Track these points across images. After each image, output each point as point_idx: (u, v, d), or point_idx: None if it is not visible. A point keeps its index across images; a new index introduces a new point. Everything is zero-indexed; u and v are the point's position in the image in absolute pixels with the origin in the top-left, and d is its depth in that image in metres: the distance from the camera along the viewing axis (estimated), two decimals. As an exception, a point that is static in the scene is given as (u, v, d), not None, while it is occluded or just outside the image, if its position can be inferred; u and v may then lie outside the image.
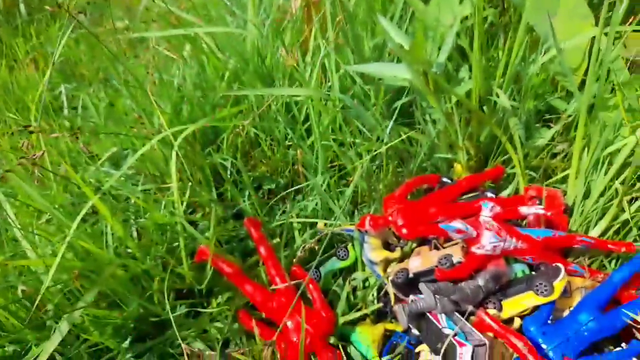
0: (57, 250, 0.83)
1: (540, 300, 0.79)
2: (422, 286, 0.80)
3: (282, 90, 0.96)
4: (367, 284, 0.97)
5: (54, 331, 0.70)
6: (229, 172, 1.06)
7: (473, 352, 0.73)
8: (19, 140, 1.16)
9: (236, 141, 1.14)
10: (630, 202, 0.90)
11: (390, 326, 0.90)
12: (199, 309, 0.90)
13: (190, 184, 1.01)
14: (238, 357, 0.79)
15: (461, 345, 0.73)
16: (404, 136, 1.00)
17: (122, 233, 0.85)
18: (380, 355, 0.84)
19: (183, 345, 0.75)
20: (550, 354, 0.75)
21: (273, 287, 0.89)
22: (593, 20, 0.97)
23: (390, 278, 0.91)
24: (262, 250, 0.93)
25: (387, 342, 0.87)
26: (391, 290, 0.91)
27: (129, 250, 0.90)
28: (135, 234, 0.98)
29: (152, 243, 0.93)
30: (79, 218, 0.73)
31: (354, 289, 0.97)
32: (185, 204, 0.99)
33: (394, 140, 0.99)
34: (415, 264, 0.91)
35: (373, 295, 0.94)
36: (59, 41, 0.85)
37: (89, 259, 0.83)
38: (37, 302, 0.69)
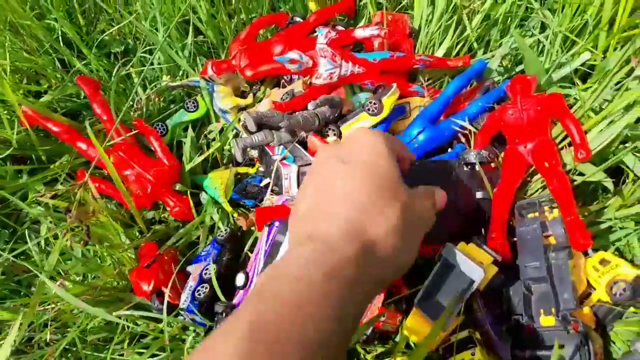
0: None
1: (372, 119, 0.78)
2: (245, 114, 0.77)
3: None
4: (222, 136, 0.94)
5: None
6: (63, 35, 0.96)
7: (298, 171, 0.72)
8: None
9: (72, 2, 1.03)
10: (471, 17, 0.88)
11: (242, 170, 0.88)
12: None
13: (12, 49, 0.91)
14: (48, 201, 0.75)
15: (286, 166, 0.72)
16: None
17: None
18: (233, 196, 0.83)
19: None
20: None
21: (109, 142, 0.84)
22: None
23: (240, 123, 0.88)
24: (95, 107, 0.87)
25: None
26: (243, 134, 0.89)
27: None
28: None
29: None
30: None
31: (211, 142, 0.94)
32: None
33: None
34: (264, 105, 0.88)
35: (217, 143, 0.91)
36: None
37: None
38: None
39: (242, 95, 0.95)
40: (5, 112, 0.85)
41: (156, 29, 0.98)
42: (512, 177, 0.64)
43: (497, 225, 0.62)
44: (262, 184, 0.83)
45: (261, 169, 0.84)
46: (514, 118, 0.67)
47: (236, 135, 0.91)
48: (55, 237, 0.75)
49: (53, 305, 0.68)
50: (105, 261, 0.75)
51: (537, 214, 0.61)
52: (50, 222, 0.80)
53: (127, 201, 0.76)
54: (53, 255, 0.66)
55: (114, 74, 0.94)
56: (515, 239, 0.62)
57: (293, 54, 0.81)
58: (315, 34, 0.95)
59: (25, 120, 0.82)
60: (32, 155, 0.88)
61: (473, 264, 0.53)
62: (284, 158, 0.74)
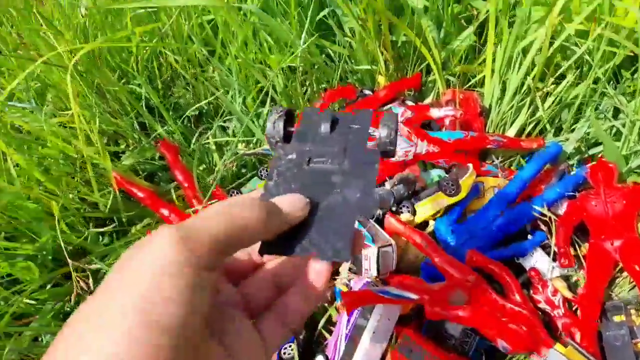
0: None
1: (449, 200, 0.79)
2: (328, 193, 0.79)
3: (178, 1, 0.90)
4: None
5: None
6: (145, 99, 1.02)
7: (378, 253, 0.73)
8: None
9: (153, 67, 1.09)
10: (543, 99, 0.89)
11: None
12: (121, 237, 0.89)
13: (99, 111, 0.97)
14: None
15: (366, 246, 0.74)
16: (309, 41, 0.96)
17: (23, 163, 0.82)
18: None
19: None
20: (458, 250, 0.75)
21: (191, 209, 0.88)
22: None
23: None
24: (177, 173, 0.91)
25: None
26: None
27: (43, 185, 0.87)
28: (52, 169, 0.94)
29: (63, 174, 0.90)
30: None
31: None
32: (95, 132, 0.95)
33: (312, 55, 0.95)
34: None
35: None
36: None
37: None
38: None
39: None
40: (93, 174, 0.89)
41: (230, 95, 1.02)
42: (599, 276, 0.64)
43: (588, 331, 0.61)
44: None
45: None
46: (598, 210, 0.67)
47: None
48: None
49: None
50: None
51: (623, 317, 0.60)
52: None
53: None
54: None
55: (193, 141, 0.99)
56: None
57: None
58: (385, 108, 0.98)
59: (115, 185, 0.86)
60: (114, 217, 0.91)
61: None
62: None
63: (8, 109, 0.91)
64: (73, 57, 0.87)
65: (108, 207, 0.83)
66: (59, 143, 0.87)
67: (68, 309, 0.86)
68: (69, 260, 0.78)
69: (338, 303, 0.79)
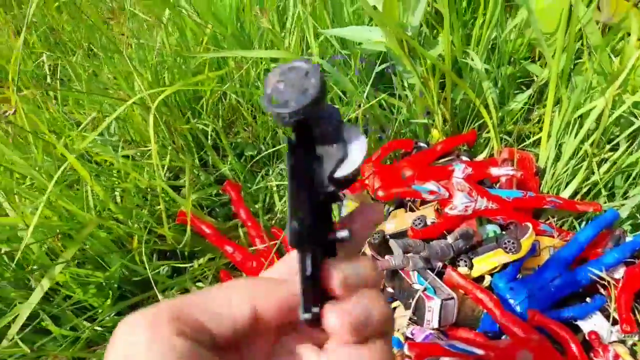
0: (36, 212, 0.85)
1: (508, 257, 0.82)
2: (392, 242, 0.83)
3: (259, 53, 0.96)
4: (344, 245, 1.00)
5: (37, 286, 0.72)
6: (210, 138, 1.07)
7: (441, 305, 0.75)
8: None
9: (217, 108, 1.15)
10: (599, 164, 0.93)
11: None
12: (182, 269, 0.93)
13: (170, 148, 1.02)
14: None
15: (429, 299, 0.76)
16: (376, 100, 1.01)
17: (103, 195, 0.86)
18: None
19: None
20: (517, 308, 0.78)
21: (252, 247, 0.91)
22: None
23: (367, 240, 0.93)
24: (241, 212, 0.95)
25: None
26: (368, 251, 0.94)
27: (113, 214, 0.92)
28: (119, 199, 0.99)
29: (133, 206, 0.94)
30: (57, 175, 0.74)
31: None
32: (165, 168, 1.01)
33: (372, 105, 1.00)
34: (390, 226, 0.94)
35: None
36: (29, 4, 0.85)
37: (70, 219, 0.85)
38: (17, 258, 0.71)
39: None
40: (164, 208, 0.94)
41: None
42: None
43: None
44: (391, 306, 0.87)
45: (389, 289, 0.89)
46: (659, 279, 0.70)
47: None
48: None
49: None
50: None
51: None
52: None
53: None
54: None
55: (255, 183, 1.03)
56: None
57: (432, 186, 0.87)
58: (442, 161, 1.02)
59: (183, 220, 0.91)
60: (177, 250, 0.95)
61: None
62: (425, 289, 0.79)
63: (92, 143, 0.96)
64: (152, 97, 0.93)
65: (184, 243, 0.87)
66: (136, 176, 0.91)
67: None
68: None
69: (395, 350, 0.81)
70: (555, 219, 0.92)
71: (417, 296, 0.78)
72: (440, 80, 1.02)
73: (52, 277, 0.72)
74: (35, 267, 0.86)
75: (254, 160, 1.07)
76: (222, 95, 1.19)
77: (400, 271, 0.84)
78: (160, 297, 0.87)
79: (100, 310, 0.87)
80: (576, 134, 0.92)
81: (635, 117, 0.89)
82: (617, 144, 0.93)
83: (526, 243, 0.81)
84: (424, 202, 0.96)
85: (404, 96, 1.06)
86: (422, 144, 1.05)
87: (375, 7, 0.91)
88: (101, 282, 0.87)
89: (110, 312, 0.85)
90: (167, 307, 0.24)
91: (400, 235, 0.90)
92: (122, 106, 1.03)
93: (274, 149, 1.09)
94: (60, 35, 1.69)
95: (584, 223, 0.95)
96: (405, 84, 1.08)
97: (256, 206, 1.04)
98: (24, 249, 0.79)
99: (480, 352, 0.68)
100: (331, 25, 1.12)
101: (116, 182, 1.01)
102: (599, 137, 0.87)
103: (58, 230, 0.79)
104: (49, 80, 1.38)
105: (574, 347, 0.69)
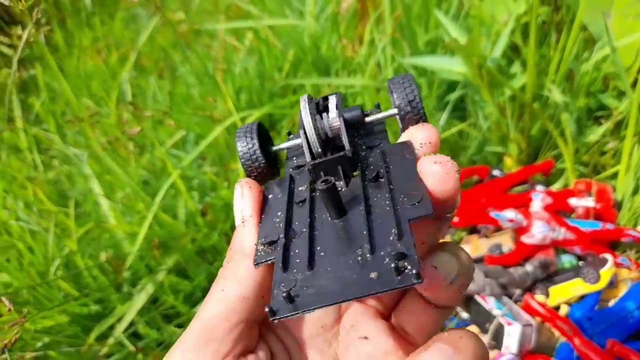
0: (134, 221, 0.91)
1: (587, 287, 0.83)
2: (475, 267, 0.85)
3: (339, 80, 1.02)
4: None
5: (140, 291, 0.78)
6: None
7: (521, 331, 0.77)
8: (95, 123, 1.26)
9: (293, 131, 1.21)
10: (679, 199, 0.92)
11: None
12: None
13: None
14: None
15: (509, 324, 0.78)
16: (455, 129, 1.04)
17: (194, 208, 0.92)
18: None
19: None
20: (595, 338, 0.78)
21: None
22: (648, 19, 0.99)
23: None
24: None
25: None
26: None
27: (197, 226, 0.98)
28: (200, 213, 1.05)
29: (218, 219, 1.00)
30: (163, 190, 0.80)
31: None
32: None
33: (446, 133, 1.03)
34: (464, 248, 0.96)
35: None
36: (141, 35, 0.93)
37: (164, 230, 0.91)
38: (125, 265, 0.77)
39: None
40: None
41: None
42: None
43: None
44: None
45: (464, 314, 0.91)
46: None
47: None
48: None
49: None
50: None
51: None
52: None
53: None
54: None
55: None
56: None
57: (511, 214, 0.89)
58: (516, 189, 1.03)
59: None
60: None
61: None
62: (504, 314, 0.80)
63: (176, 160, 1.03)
64: (241, 119, 1.00)
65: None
66: (225, 191, 0.97)
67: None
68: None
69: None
70: (633, 252, 0.92)
71: (496, 321, 0.80)
72: (519, 111, 1.05)
73: (157, 282, 0.78)
74: (128, 273, 0.92)
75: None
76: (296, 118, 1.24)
77: (476, 296, 0.86)
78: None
79: (186, 318, 0.92)
80: (656, 168, 0.92)
81: None
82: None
83: (606, 274, 0.82)
84: (497, 229, 0.98)
85: (479, 125, 1.09)
86: (496, 173, 1.07)
87: (457, 40, 0.95)
88: (188, 290, 0.92)
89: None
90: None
91: (477, 260, 0.92)
92: (210, 125, 1.10)
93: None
94: (141, 59, 1.81)
95: (661, 257, 0.95)
96: (480, 113, 1.11)
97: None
98: (123, 257, 0.85)
99: (564, 379, 0.69)
100: (406, 53, 1.17)
101: (199, 198, 1.07)
102: (680, 172, 0.88)
103: (156, 240, 0.85)
104: (130, 99, 1.48)
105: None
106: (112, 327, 0.80)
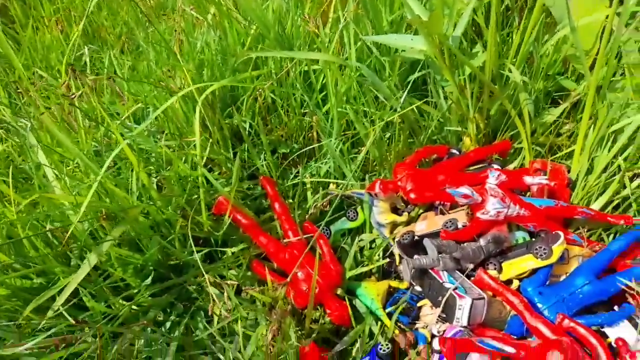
0: (82, 193, 0.88)
1: (538, 263, 0.83)
2: (426, 241, 0.85)
3: (302, 54, 1.00)
4: (373, 245, 1.02)
5: (83, 263, 0.75)
6: (247, 134, 1.10)
7: (472, 304, 0.77)
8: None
9: (254, 106, 1.18)
10: (631, 179, 0.94)
11: (394, 283, 0.94)
12: (216, 257, 0.96)
13: (210, 141, 1.05)
14: (254, 294, 0.84)
15: (461, 297, 0.78)
16: (413, 106, 1.04)
17: (147, 182, 0.90)
18: (384, 308, 0.89)
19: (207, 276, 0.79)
20: (546, 312, 0.79)
21: (286, 240, 0.94)
22: (608, 1, 1.00)
23: (396, 239, 0.96)
24: (276, 206, 0.98)
25: (390, 298, 0.91)
26: (396, 250, 0.96)
27: (152, 202, 0.95)
28: (155, 186, 1.02)
29: (173, 194, 0.97)
30: (109, 160, 0.77)
31: (361, 249, 1.02)
32: (204, 160, 1.04)
33: (407, 111, 1.03)
34: (420, 227, 0.96)
35: (379, 255, 0.99)
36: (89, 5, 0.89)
37: (114, 202, 0.88)
38: (67, 236, 0.74)
39: (397, 211, 1.04)
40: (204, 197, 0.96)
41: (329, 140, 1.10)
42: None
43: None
44: (417, 304, 0.89)
45: (418, 288, 0.91)
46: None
47: (386, 250, 0.99)
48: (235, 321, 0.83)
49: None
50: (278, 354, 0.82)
51: None
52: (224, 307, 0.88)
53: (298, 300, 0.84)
54: (251, 347, 0.73)
55: (290, 179, 1.06)
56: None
57: (466, 190, 0.89)
58: (472, 168, 1.04)
59: (220, 210, 0.94)
60: (211, 239, 0.98)
61: None
62: (456, 288, 0.80)
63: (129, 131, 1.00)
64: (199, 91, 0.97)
65: (222, 231, 0.89)
66: (180, 164, 0.95)
67: (163, 320, 0.92)
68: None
69: (420, 347, 0.83)
70: (584, 230, 0.93)
71: (448, 294, 0.80)
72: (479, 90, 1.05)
73: (100, 253, 0.75)
74: (76, 246, 0.89)
75: (291, 160, 1.10)
76: (259, 94, 1.22)
77: (430, 270, 0.86)
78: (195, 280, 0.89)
79: (136, 291, 0.89)
80: (609, 149, 0.93)
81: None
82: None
83: (557, 250, 0.83)
84: (453, 206, 0.98)
85: (440, 104, 1.09)
86: (455, 151, 1.07)
87: (420, 17, 0.94)
88: (139, 263, 0.90)
89: (146, 292, 0.88)
90: None
91: (430, 236, 0.92)
92: (166, 98, 1.07)
93: (307, 147, 1.12)
94: (100, 30, 1.75)
95: (612, 236, 0.97)
96: (441, 93, 1.10)
97: (288, 202, 1.07)
98: (68, 228, 0.82)
99: (511, 350, 0.69)
100: (370, 32, 1.15)
101: (155, 172, 1.04)
102: (633, 152, 0.89)
103: (104, 211, 0.82)
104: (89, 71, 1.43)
105: (602, 351, 0.70)
106: (54, 300, 0.77)
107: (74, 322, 0.72)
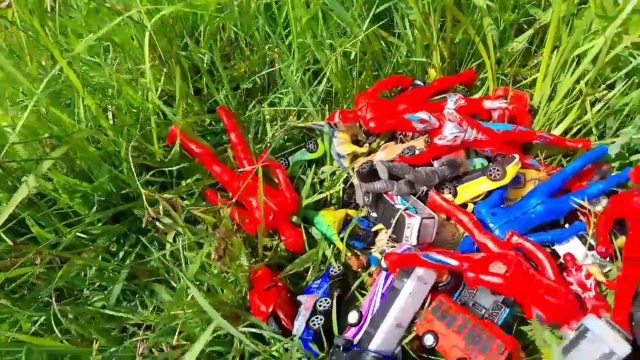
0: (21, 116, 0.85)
1: (492, 184, 0.82)
2: (377, 163, 0.83)
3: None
4: (334, 177, 1.00)
5: (21, 184, 0.73)
6: (206, 67, 1.07)
7: (421, 222, 0.76)
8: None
9: (215, 39, 1.15)
10: (592, 104, 0.92)
11: (352, 212, 0.93)
12: (169, 187, 0.94)
13: (165, 72, 1.02)
14: (198, 214, 0.82)
15: (410, 217, 0.77)
16: (373, 31, 1.00)
17: (94, 108, 0.87)
18: (339, 235, 0.88)
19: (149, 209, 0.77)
20: (497, 231, 0.78)
21: (240, 169, 0.92)
22: None
23: (355, 169, 0.94)
24: (232, 136, 0.95)
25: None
26: (356, 181, 0.94)
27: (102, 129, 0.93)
28: (110, 116, 1.00)
29: (125, 124, 0.95)
30: (48, 77, 0.74)
31: (322, 181, 1.00)
32: (159, 91, 1.00)
33: (371, 42, 0.99)
34: (380, 156, 0.94)
35: (339, 186, 0.97)
36: None
37: (61, 129, 0.86)
38: (2, 155, 0.71)
39: (358, 143, 1.02)
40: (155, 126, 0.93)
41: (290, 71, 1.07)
42: (636, 264, 0.66)
43: (621, 310, 0.64)
44: (372, 229, 0.88)
45: (373, 214, 0.89)
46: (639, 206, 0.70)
47: (346, 181, 0.97)
48: (190, 248, 0.81)
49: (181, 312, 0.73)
50: (228, 279, 0.81)
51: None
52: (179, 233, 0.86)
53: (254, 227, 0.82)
54: (194, 266, 0.72)
55: (249, 109, 1.03)
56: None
57: (423, 115, 0.86)
58: (434, 98, 1.01)
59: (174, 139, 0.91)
60: (165, 169, 0.95)
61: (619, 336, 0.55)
62: (407, 209, 0.79)
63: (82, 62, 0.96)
64: (150, 16, 0.93)
65: (169, 158, 0.87)
66: (130, 92, 0.92)
67: (113, 249, 0.90)
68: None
69: (372, 268, 0.82)
70: (543, 155, 0.91)
71: (398, 214, 0.78)
72: (442, 20, 1.02)
73: (39, 173, 0.73)
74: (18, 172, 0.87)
75: (252, 95, 1.07)
76: (221, 28, 1.18)
77: (384, 195, 0.85)
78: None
79: (84, 219, 0.88)
80: (572, 73, 0.91)
81: (634, 57, 0.88)
82: (612, 85, 0.92)
83: (511, 170, 0.81)
84: (415, 137, 0.96)
85: (404, 34, 1.05)
86: (419, 82, 1.04)
87: None
88: (87, 191, 0.88)
89: (93, 219, 0.86)
90: None
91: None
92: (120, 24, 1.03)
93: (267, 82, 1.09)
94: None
95: (570, 160, 0.95)
96: (407, 23, 1.07)
97: (248, 136, 1.04)
98: (10, 151, 0.80)
99: (454, 262, 0.68)
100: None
101: (109, 100, 1.01)
102: (594, 76, 0.87)
103: (47, 135, 0.79)
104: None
105: (548, 264, 0.70)
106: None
107: (11, 242, 0.70)
